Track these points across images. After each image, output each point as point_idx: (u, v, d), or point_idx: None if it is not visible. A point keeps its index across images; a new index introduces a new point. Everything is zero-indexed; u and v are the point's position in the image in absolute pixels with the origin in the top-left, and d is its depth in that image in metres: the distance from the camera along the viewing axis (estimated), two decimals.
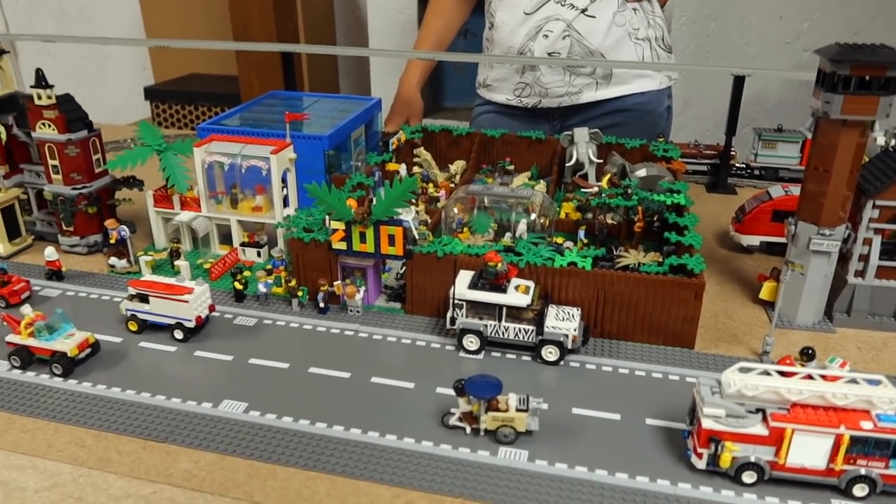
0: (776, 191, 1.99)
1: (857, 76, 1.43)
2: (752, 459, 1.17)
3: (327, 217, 1.66)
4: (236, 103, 4.34)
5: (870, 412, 1.15)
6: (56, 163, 1.90)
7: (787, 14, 4.55)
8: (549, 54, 2.48)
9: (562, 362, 1.50)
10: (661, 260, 1.63)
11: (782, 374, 1.19)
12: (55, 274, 1.82)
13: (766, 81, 4.15)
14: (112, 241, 1.85)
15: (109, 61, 5.76)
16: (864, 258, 1.63)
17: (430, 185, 2.27)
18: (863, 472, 1.15)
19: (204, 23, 4.66)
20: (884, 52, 1.43)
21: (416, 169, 2.35)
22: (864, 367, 1.53)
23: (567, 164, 2.23)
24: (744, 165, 2.57)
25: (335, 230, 1.63)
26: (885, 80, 1.42)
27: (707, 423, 1.17)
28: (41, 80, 1.83)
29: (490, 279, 1.51)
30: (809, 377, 1.18)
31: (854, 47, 1.44)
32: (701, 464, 1.20)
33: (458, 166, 2.41)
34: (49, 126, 1.86)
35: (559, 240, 1.87)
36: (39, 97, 1.84)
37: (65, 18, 5.79)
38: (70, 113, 1.88)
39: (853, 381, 1.18)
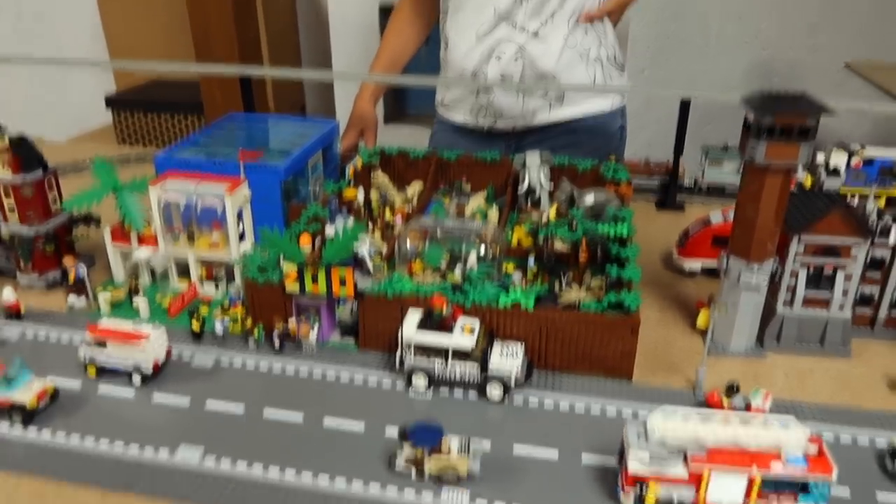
0: (716, 216, 2.08)
1: (780, 125, 1.51)
2: (675, 500, 1.26)
3: (281, 257, 1.71)
4: (199, 111, 4.35)
5: (780, 453, 1.24)
6: (12, 203, 1.92)
7: (745, 14, 4.64)
8: (502, 76, 2.53)
9: (506, 399, 1.58)
10: (602, 291, 1.71)
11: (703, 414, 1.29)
12: (14, 315, 1.85)
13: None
14: (71, 281, 1.88)
15: (72, 68, 5.67)
16: (792, 289, 1.73)
17: (387, 209, 2.32)
18: None
19: (164, 28, 4.62)
20: (803, 101, 1.51)
21: (373, 193, 2.40)
22: (790, 393, 1.64)
23: (520, 193, 2.28)
24: (692, 183, 2.66)
25: (288, 273, 1.69)
26: (804, 128, 1.51)
27: (633, 467, 1.26)
28: None
29: (436, 321, 1.58)
30: (726, 420, 1.28)
31: (776, 97, 1.52)
32: (629, 501, 1.29)
33: (414, 188, 2.46)
34: (3, 167, 1.88)
35: (510, 266, 1.94)
36: None
37: (22, 20, 5.68)
38: (24, 154, 1.90)
39: (766, 422, 1.27)
